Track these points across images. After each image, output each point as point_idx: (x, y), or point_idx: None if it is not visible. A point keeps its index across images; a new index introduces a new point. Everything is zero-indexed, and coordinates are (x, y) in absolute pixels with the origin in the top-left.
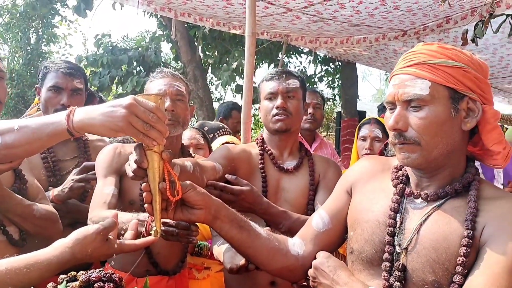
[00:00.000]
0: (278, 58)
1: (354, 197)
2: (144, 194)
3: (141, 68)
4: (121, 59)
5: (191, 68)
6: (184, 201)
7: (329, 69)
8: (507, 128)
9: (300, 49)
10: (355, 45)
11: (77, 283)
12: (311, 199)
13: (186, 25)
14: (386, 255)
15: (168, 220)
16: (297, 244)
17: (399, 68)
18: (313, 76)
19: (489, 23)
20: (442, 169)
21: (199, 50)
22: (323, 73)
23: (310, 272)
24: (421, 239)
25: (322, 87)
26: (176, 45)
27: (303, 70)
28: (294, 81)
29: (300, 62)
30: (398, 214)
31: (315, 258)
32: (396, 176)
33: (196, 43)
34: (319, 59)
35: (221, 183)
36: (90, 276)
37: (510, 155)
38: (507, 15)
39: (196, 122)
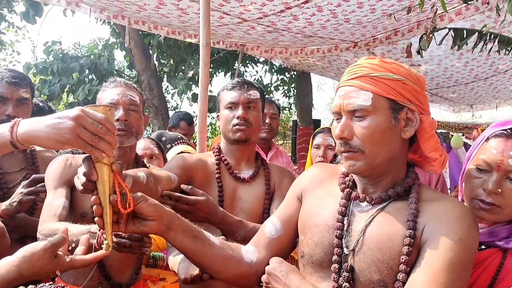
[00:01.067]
0: (234, 67)
1: (304, 203)
2: (94, 207)
3: (93, 76)
4: (72, 67)
5: (145, 76)
6: (136, 213)
7: (285, 78)
8: (452, 135)
9: (256, 59)
10: (309, 55)
11: None
12: (266, 208)
13: (140, 32)
14: (335, 257)
15: (120, 232)
16: (250, 251)
17: (344, 80)
18: (269, 85)
19: (433, 36)
20: (385, 174)
21: (154, 58)
22: (279, 82)
23: (263, 277)
24: (367, 240)
25: (278, 96)
26: (130, 53)
27: (259, 79)
28: (255, 92)
29: (256, 71)
30: (345, 217)
31: (268, 264)
32: (343, 182)
33: (150, 51)
34: (275, 69)
35: (176, 194)
36: None
37: (446, 162)
38: (449, 29)
39: (152, 131)
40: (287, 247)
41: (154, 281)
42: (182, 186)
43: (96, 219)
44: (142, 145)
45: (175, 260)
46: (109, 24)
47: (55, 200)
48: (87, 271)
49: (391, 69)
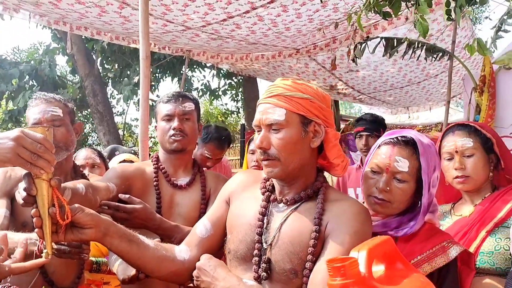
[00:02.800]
0: (181, 72)
1: (232, 205)
2: (34, 219)
3: (34, 83)
4: (11, 73)
5: (89, 82)
6: (74, 222)
7: (232, 83)
8: None
9: (203, 63)
10: (254, 61)
11: None
12: (202, 213)
13: (83, 37)
14: (255, 252)
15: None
16: (183, 251)
17: (263, 98)
18: (217, 89)
19: (366, 44)
20: (298, 179)
21: (98, 64)
22: (226, 86)
23: (194, 272)
24: (282, 236)
25: (226, 100)
26: (72, 58)
27: (207, 83)
28: (190, 104)
29: (204, 76)
30: (265, 217)
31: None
32: (264, 186)
33: (94, 56)
34: (222, 73)
35: (114, 203)
36: None
37: (347, 166)
38: (381, 38)
39: (97, 137)
40: (216, 245)
41: (98, 285)
42: (120, 195)
43: (36, 230)
44: (84, 155)
45: (115, 264)
46: (50, 29)
47: None
48: (30, 278)
49: (301, 89)
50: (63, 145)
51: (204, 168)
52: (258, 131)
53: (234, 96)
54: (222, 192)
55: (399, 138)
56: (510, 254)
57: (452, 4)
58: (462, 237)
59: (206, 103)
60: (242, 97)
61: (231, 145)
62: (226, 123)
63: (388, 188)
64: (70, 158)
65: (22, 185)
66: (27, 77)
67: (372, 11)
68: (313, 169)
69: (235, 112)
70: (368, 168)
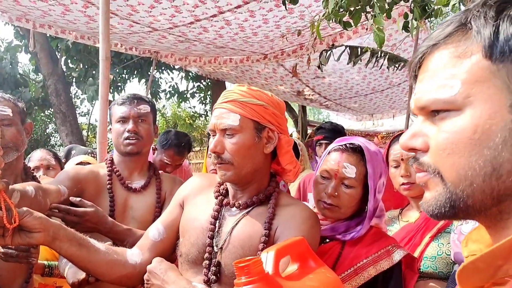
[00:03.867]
0: (149, 73)
1: (185, 208)
2: None
3: None
4: None
5: (52, 81)
6: (22, 226)
7: (201, 85)
8: None
9: (171, 65)
10: (222, 65)
11: None
12: (157, 216)
13: (47, 35)
14: (206, 255)
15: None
16: (135, 254)
17: (218, 103)
18: (185, 92)
19: (332, 52)
20: (251, 183)
21: (62, 63)
22: (195, 89)
23: (145, 276)
24: (233, 240)
25: (194, 103)
26: (35, 56)
27: (175, 86)
28: (146, 107)
29: (172, 78)
30: (217, 221)
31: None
32: (218, 190)
33: (58, 55)
34: (191, 76)
35: (64, 206)
36: None
37: (299, 173)
38: (346, 46)
39: (59, 137)
40: (168, 248)
41: None
42: (71, 198)
43: None
44: (39, 156)
45: (65, 267)
46: (12, 25)
47: None
48: None
49: (256, 96)
50: (13, 145)
51: (160, 171)
52: (213, 135)
53: (202, 99)
54: (176, 196)
55: (348, 145)
56: (451, 259)
57: (411, 16)
58: (408, 242)
59: (174, 105)
60: (211, 100)
61: (191, 150)
62: (194, 126)
63: (336, 193)
64: (21, 159)
65: None
66: None
67: (332, 21)
68: (266, 174)
69: (203, 115)
70: (318, 174)
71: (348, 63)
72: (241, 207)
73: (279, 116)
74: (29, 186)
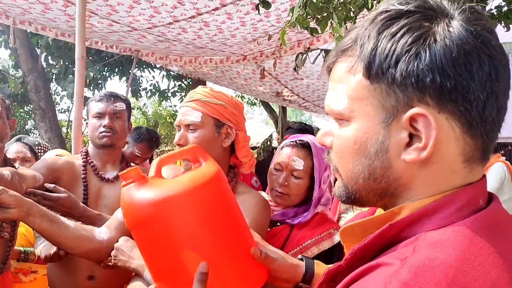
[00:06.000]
0: (130, 71)
1: None
2: None
3: None
4: None
5: (32, 77)
6: None
7: (182, 84)
8: None
9: (153, 64)
10: (202, 65)
11: None
12: None
13: (28, 32)
14: None
15: None
16: (103, 232)
17: (184, 102)
18: (167, 90)
19: (307, 55)
20: None
21: (42, 59)
22: (176, 88)
23: (112, 252)
24: None
25: (175, 101)
26: (15, 52)
27: (156, 84)
28: (121, 104)
29: (153, 77)
30: None
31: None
32: None
33: (38, 51)
34: (172, 75)
35: (39, 191)
36: None
37: (253, 165)
38: (321, 49)
39: (39, 134)
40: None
41: (25, 274)
42: (46, 184)
43: None
44: (15, 149)
45: (40, 247)
46: None
47: None
48: None
49: (217, 96)
50: None
51: (132, 164)
52: (178, 130)
53: (183, 98)
54: None
55: (298, 141)
56: None
57: None
58: None
59: (155, 104)
60: None
61: (159, 146)
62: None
63: (286, 183)
64: (2, 151)
65: None
66: None
67: (299, 28)
68: (225, 166)
69: None
70: (272, 166)
71: (322, 66)
72: None
73: (237, 115)
74: (5, 171)
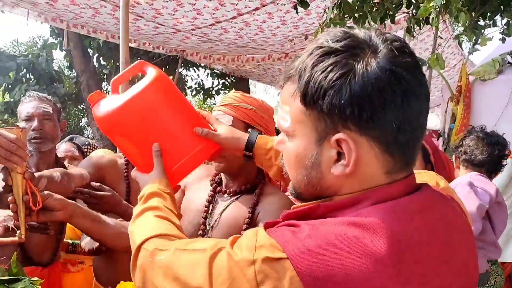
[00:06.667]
0: (176, 70)
1: (186, 193)
2: (11, 205)
3: (31, 76)
4: (9, 66)
5: (85, 77)
6: (45, 206)
7: (226, 82)
8: None
9: (197, 63)
10: (245, 63)
11: None
12: None
13: (81, 34)
14: (200, 232)
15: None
16: None
17: (216, 106)
18: (211, 88)
19: None
20: (241, 174)
21: (94, 60)
22: (220, 86)
23: None
24: (222, 220)
25: (219, 99)
26: (69, 53)
27: (201, 83)
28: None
29: (198, 75)
30: (211, 204)
31: None
32: (213, 179)
33: (91, 53)
34: (216, 73)
35: (86, 190)
36: None
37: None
38: None
39: (91, 131)
40: None
41: (73, 264)
42: (92, 183)
43: (12, 214)
44: (64, 148)
45: (86, 241)
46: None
47: None
48: (10, 253)
49: (248, 101)
50: (50, 137)
51: None
52: None
53: None
54: (180, 182)
55: None
56: None
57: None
58: None
59: (200, 101)
60: None
61: None
62: None
63: None
64: (54, 150)
65: (1, 176)
66: (24, 70)
67: (336, 27)
68: (254, 168)
69: None
70: None
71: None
72: (231, 194)
73: (267, 120)
74: (56, 172)
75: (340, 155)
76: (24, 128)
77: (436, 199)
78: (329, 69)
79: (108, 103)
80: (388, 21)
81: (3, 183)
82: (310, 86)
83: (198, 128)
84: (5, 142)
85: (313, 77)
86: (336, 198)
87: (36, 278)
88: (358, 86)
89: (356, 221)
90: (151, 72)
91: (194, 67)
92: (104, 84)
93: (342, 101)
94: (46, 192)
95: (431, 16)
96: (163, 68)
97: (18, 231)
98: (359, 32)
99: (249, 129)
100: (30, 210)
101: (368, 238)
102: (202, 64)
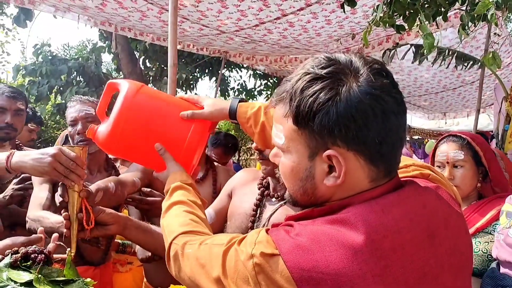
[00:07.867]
0: (219, 71)
1: (233, 198)
2: (64, 221)
3: (81, 79)
4: (61, 69)
5: (132, 79)
6: (99, 221)
7: (268, 83)
8: (427, 141)
9: (240, 64)
10: (287, 63)
11: (18, 255)
12: None
13: (128, 37)
14: None
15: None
16: None
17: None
18: (253, 89)
19: (396, 51)
20: None
21: (140, 62)
22: (262, 87)
23: None
24: (270, 224)
25: (261, 100)
26: (117, 56)
27: (243, 83)
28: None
29: (240, 76)
30: (259, 208)
31: None
32: (261, 183)
33: (137, 55)
34: (258, 74)
35: (138, 197)
36: (27, 250)
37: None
38: (411, 45)
39: None
40: (217, 230)
41: (122, 264)
42: (143, 189)
43: (65, 231)
44: None
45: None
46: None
47: (40, 193)
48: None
49: None
50: None
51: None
52: None
53: (269, 96)
54: (226, 187)
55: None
56: (487, 257)
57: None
58: None
59: None
60: None
61: (236, 151)
62: None
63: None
64: (103, 151)
65: (59, 191)
66: (75, 73)
67: (385, 26)
68: None
69: None
70: None
71: (412, 62)
72: (279, 198)
73: None
74: (110, 183)
75: (331, 168)
76: (86, 146)
77: (419, 190)
78: (317, 94)
79: (102, 130)
80: (438, 19)
81: (61, 199)
82: (301, 109)
83: (183, 113)
84: (65, 159)
85: (303, 101)
86: (327, 204)
87: (89, 279)
88: (343, 108)
89: (337, 218)
90: (123, 85)
91: (237, 68)
92: (149, 86)
93: (330, 122)
94: (98, 207)
95: (489, 13)
96: (206, 70)
97: (68, 249)
98: (341, 56)
99: (233, 97)
100: (82, 226)
101: (347, 232)
102: (245, 65)
